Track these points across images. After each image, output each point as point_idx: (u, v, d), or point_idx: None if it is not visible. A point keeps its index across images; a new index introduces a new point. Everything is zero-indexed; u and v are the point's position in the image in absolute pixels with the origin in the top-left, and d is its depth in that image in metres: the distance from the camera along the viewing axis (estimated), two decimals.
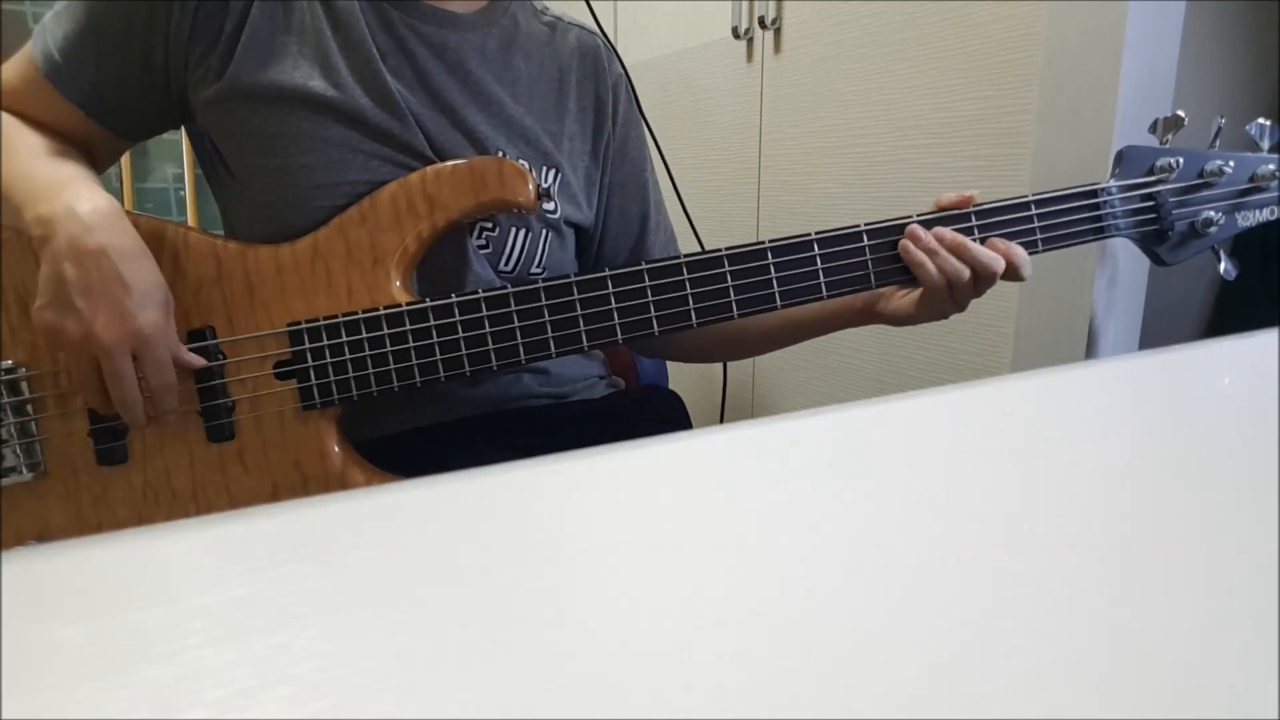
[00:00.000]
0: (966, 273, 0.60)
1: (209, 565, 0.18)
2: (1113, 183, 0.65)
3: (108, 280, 0.51)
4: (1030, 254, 0.63)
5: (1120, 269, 0.94)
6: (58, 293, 0.51)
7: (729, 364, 0.99)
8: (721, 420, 0.87)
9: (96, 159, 0.64)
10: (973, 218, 0.62)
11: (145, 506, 0.59)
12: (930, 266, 0.60)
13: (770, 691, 0.14)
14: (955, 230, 0.61)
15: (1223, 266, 0.68)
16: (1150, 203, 0.66)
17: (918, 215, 0.62)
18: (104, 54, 0.59)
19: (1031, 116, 0.95)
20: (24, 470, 0.57)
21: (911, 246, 0.61)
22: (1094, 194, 0.64)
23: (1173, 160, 0.65)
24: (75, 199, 0.53)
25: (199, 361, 0.57)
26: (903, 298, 0.65)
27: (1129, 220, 0.65)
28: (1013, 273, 0.61)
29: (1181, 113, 0.65)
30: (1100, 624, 0.15)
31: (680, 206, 0.86)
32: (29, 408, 0.57)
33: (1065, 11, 0.90)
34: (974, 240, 0.61)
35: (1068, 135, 0.92)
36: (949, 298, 0.61)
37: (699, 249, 0.63)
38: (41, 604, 0.16)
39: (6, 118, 0.61)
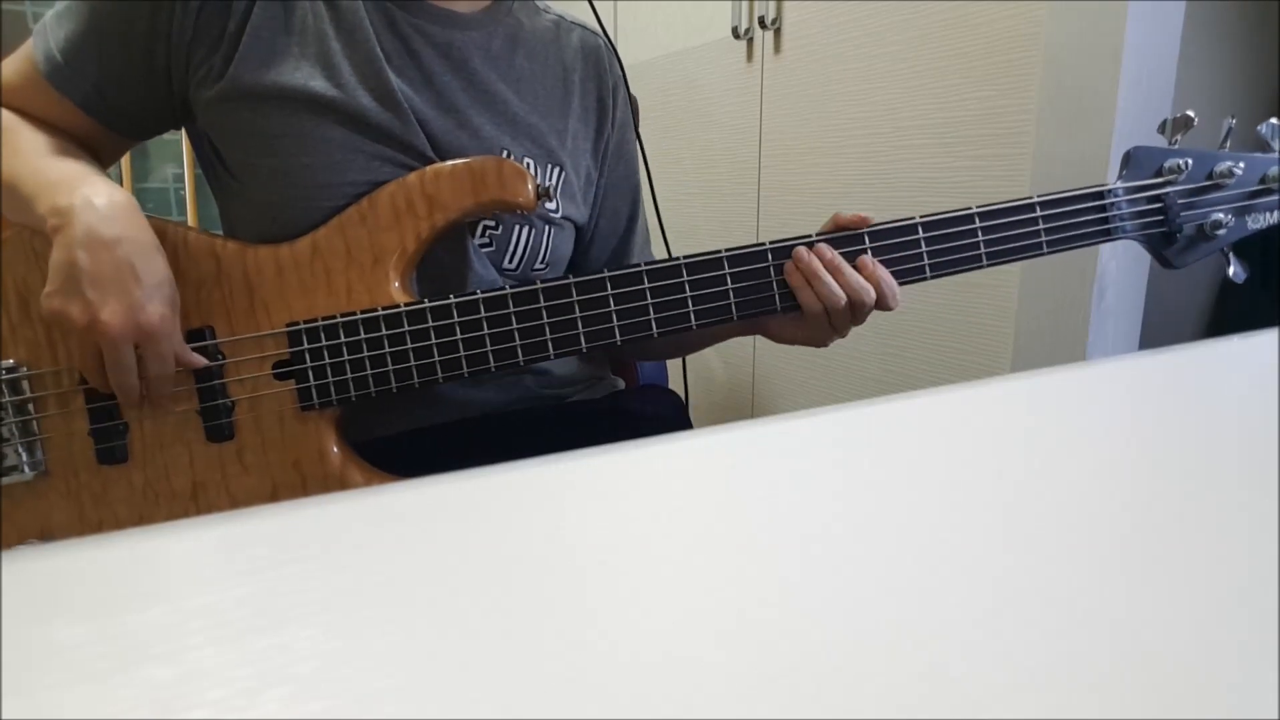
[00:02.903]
0: (843, 299, 0.59)
1: (209, 565, 0.18)
2: (1119, 184, 0.64)
3: (119, 270, 0.51)
4: (1035, 256, 0.63)
5: (1121, 270, 0.94)
6: (68, 279, 0.51)
7: (724, 365, 0.99)
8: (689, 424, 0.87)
9: (99, 158, 0.64)
10: (976, 219, 0.62)
11: (145, 506, 0.59)
12: (808, 291, 0.60)
13: (770, 692, 0.14)
14: (899, 240, 0.61)
15: (1232, 269, 0.67)
16: (1158, 204, 0.64)
17: (920, 217, 0.62)
18: (105, 54, 0.59)
19: (1031, 116, 0.95)
20: (25, 469, 0.57)
21: (793, 269, 0.60)
22: (1100, 195, 0.63)
23: (1181, 161, 0.64)
24: (93, 192, 0.53)
25: (201, 361, 0.57)
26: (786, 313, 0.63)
27: (1136, 222, 0.65)
28: (881, 303, 0.60)
29: (1191, 112, 0.64)
30: (1100, 624, 0.15)
31: (655, 211, 0.86)
32: (30, 407, 0.57)
33: (1065, 11, 0.90)
34: (852, 264, 0.60)
35: (1068, 135, 0.92)
36: (828, 324, 0.61)
37: (664, 249, 0.63)
38: (41, 604, 0.16)
39: (12, 116, 0.61)
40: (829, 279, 0.59)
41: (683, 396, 0.83)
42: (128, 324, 0.52)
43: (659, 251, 0.79)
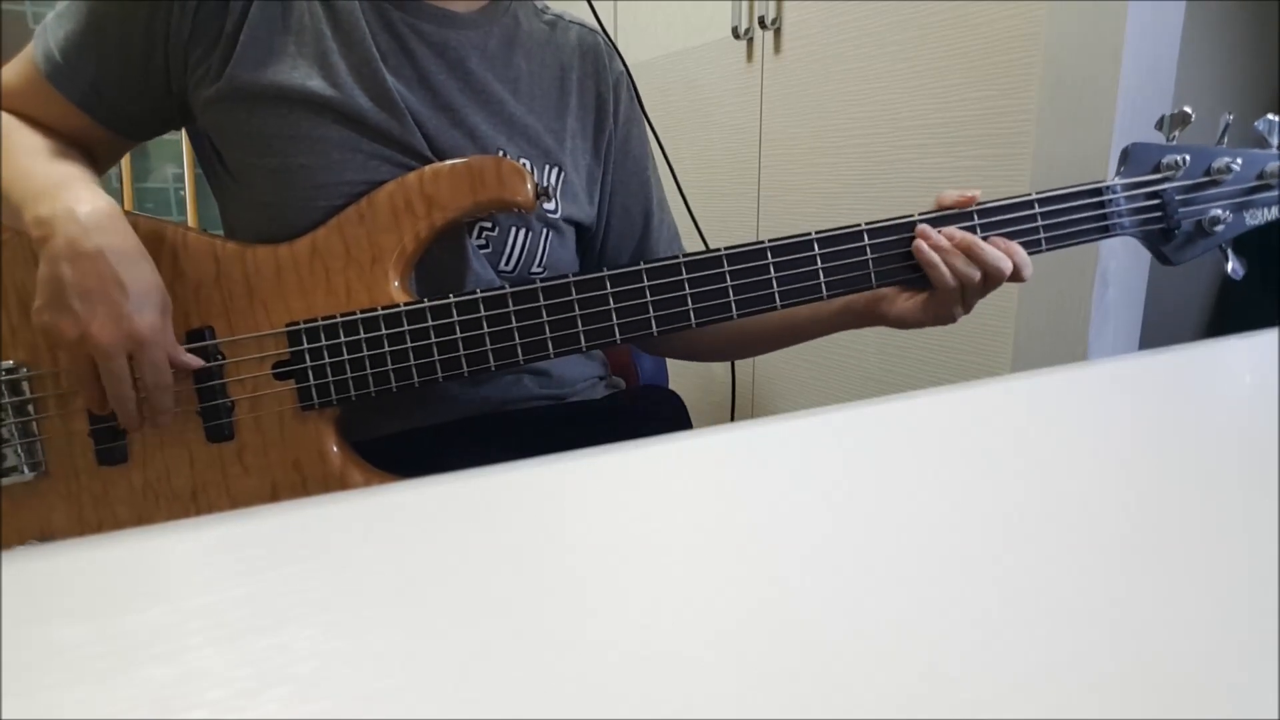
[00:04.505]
0: (977, 274, 0.60)
1: (209, 565, 0.18)
2: (1118, 180, 0.64)
3: (105, 282, 0.51)
4: (1033, 253, 0.63)
5: (1121, 268, 0.94)
6: (55, 294, 0.51)
7: (728, 365, 0.99)
8: (733, 419, 0.87)
9: (98, 159, 0.64)
10: (975, 216, 0.62)
11: (145, 506, 0.59)
12: (943, 268, 0.60)
13: (770, 692, 0.14)
14: (960, 229, 0.61)
15: (1230, 266, 0.67)
16: (1156, 201, 0.64)
17: (919, 214, 0.62)
18: (104, 54, 0.59)
19: (1031, 116, 0.95)
20: (25, 470, 0.57)
21: (925, 246, 0.60)
22: (1098, 192, 0.63)
23: (1179, 157, 0.64)
24: (75, 200, 0.53)
25: (196, 362, 0.57)
26: (907, 300, 0.64)
27: (1134, 219, 0.65)
28: (1016, 273, 0.61)
29: (1189, 109, 0.64)
30: (1100, 624, 0.15)
31: (684, 204, 0.86)
32: (30, 408, 0.57)
33: (1065, 11, 0.90)
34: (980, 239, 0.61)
35: (1068, 135, 0.92)
36: (959, 299, 0.61)
37: (703, 247, 0.63)
38: (41, 604, 0.16)
39: (6, 117, 0.61)
40: (961, 256, 0.60)
41: (727, 396, 0.82)
42: (118, 335, 0.51)
43: (694, 245, 0.78)
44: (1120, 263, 0.93)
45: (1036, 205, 0.62)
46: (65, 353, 0.54)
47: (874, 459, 0.24)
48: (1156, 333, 1.05)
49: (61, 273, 0.51)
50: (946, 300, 0.61)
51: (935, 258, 0.60)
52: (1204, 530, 0.19)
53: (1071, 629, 0.15)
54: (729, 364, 0.94)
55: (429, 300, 0.58)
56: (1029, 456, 0.24)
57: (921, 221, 0.62)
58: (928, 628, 0.15)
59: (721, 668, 0.14)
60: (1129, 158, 0.65)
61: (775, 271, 0.61)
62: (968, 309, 0.63)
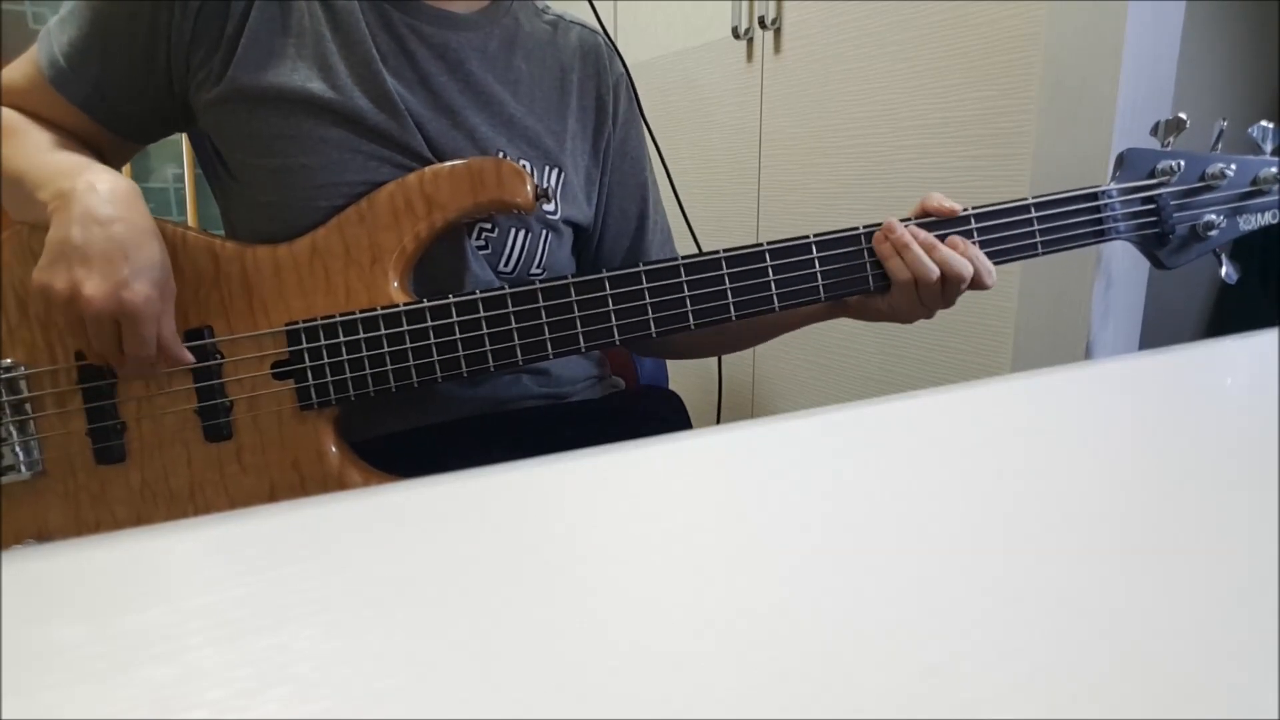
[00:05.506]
0: (935, 273, 0.60)
1: (209, 565, 0.18)
2: (1113, 185, 0.65)
3: (110, 248, 0.52)
4: (1030, 257, 0.63)
5: (1120, 269, 0.94)
6: (59, 254, 0.51)
7: (725, 365, 0.99)
8: (719, 420, 0.87)
9: (104, 161, 0.64)
10: (972, 220, 0.62)
11: (143, 506, 0.59)
12: (897, 261, 0.60)
13: (770, 692, 0.14)
14: (936, 234, 0.61)
15: (1224, 270, 0.68)
16: (1151, 205, 0.65)
17: (915, 220, 0.62)
18: (108, 58, 0.59)
19: (1031, 116, 0.95)
20: (22, 469, 0.57)
21: (882, 238, 0.61)
22: (1094, 196, 0.64)
23: (1174, 163, 0.65)
24: (96, 178, 0.54)
25: (189, 357, 0.57)
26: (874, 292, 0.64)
27: (1129, 223, 0.65)
28: (977, 281, 0.61)
29: (1183, 115, 0.65)
30: (1100, 624, 0.15)
31: (678, 207, 0.86)
32: (27, 406, 0.57)
33: (1065, 11, 0.90)
34: (945, 243, 0.61)
35: (1068, 135, 0.92)
36: (916, 298, 0.61)
37: (696, 249, 0.63)
38: (41, 604, 0.16)
39: (17, 114, 0.61)
40: (920, 251, 0.60)
41: (716, 397, 0.82)
42: (110, 300, 0.51)
43: (688, 249, 0.79)
44: (1120, 262, 0.94)
45: (1033, 210, 0.63)
46: (57, 310, 0.54)
47: (874, 459, 0.24)
48: (1156, 333, 1.05)
49: (70, 234, 0.51)
50: (905, 297, 0.61)
51: (890, 250, 0.61)
52: (1204, 530, 0.19)
53: (1071, 629, 0.15)
54: (718, 365, 0.94)
55: (428, 300, 0.58)
56: (1029, 456, 0.24)
57: (920, 223, 0.62)
58: (928, 628, 0.15)
59: (721, 668, 0.14)
60: (1125, 163, 0.65)
61: (774, 274, 0.61)
62: (929, 312, 0.63)
